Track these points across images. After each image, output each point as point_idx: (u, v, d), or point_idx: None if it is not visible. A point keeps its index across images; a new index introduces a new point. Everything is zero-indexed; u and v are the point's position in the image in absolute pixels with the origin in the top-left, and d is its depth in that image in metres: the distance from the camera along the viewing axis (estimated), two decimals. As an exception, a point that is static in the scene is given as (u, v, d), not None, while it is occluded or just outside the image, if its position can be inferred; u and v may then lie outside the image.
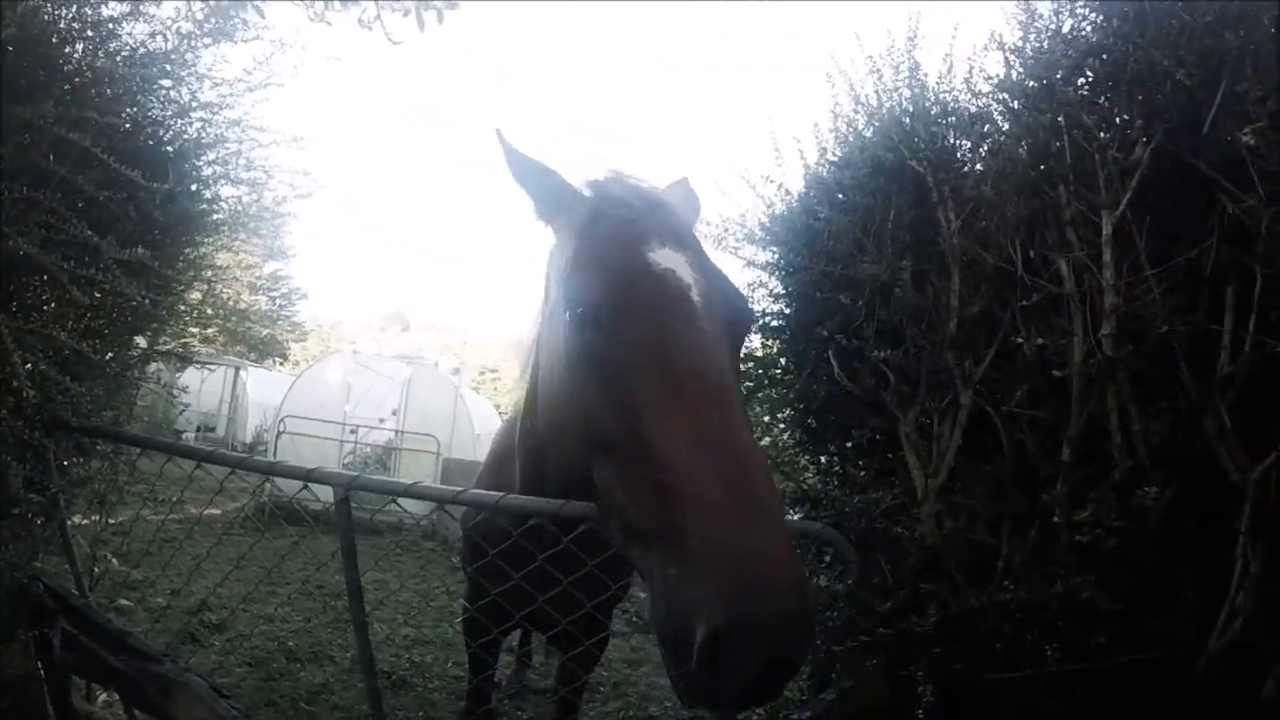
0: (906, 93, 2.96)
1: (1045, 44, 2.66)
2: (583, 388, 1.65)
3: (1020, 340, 2.29)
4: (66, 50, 2.30)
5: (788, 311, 3.34)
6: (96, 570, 3.56)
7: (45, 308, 2.45)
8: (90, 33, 2.38)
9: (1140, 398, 2.20)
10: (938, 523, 2.37)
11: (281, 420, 12.15)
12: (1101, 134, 2.38)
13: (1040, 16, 2.69)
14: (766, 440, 3.47)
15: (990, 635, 2.20)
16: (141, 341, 3.10)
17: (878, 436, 2.75)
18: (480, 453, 13.68)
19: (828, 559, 2.61)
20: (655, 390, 1.49)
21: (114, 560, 4.23)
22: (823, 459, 3.22)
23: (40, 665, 2.70)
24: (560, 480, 1.96)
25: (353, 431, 13.45)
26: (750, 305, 1.76)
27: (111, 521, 3.34)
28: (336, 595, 7.34)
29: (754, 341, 3.49)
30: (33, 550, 2.79)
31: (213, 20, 2.69)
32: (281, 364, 30.73)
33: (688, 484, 1.34)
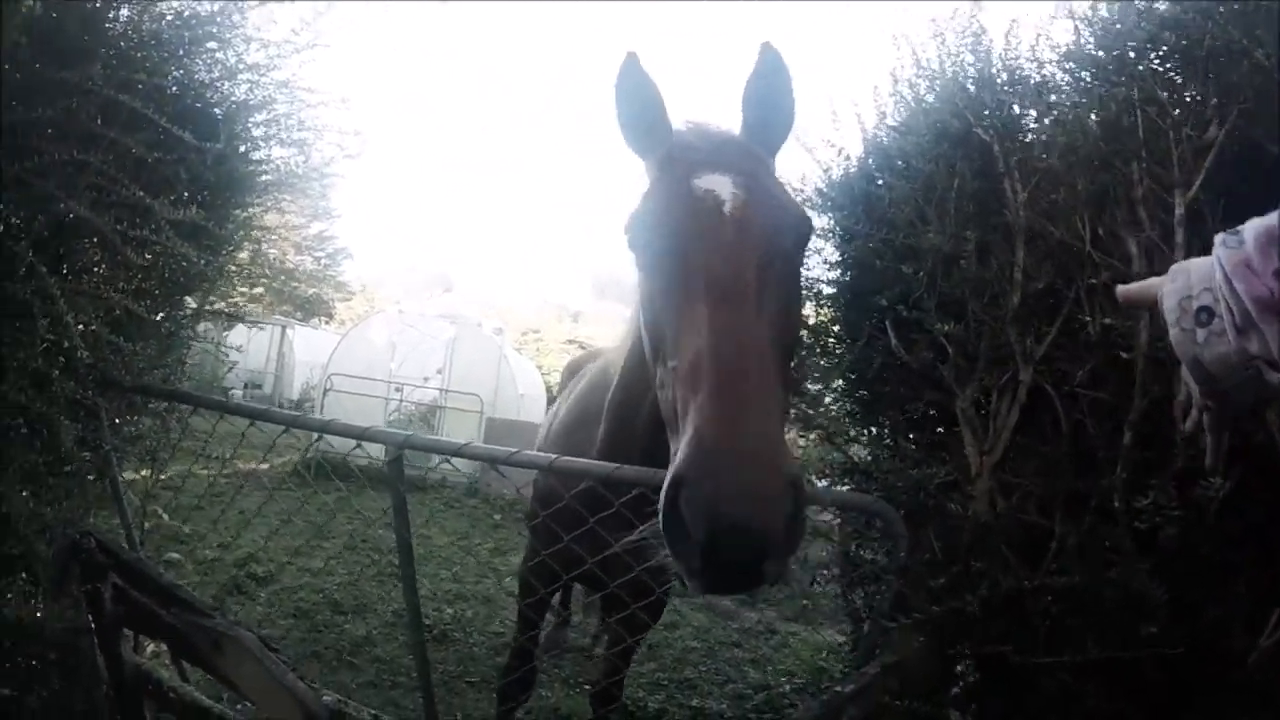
0: (970, 58, 2.83)
1: (1117, 14, 2.51)
2: (643, 309, 1.83)
3: (1086, 319, 2.21)
4: (111, 14, 2.28)
5: (844, 279, 3.24)
6: (147, 525, 3.64)
7: (97, 269, 2.47)
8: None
9: (1208, 384, 2.12)
10: (990, 501, 2.31)
11: (329, 378, 12.31)
12: (1175, 111, 2.25)
13: (1113, -15, 2.55)
14: (818, 410, 3.41)
15: (1038, 617, 2.17)
16: (192, 301, 3.13)
17: (931, 410, 2.68)
18: (524, 413, 13.79)
19: (877, 533, 2.56)
20: (680, 297, 1.64)
21: (164, 514, 4.32)
22: (873, 430, 3.15)
23: (91, 618, 2.78)
24: (647, 438, 2.09)
25: (398, 390, 13.59)
26: (801, 215, 1.89)
27: (162, 477, 3.39)
28: (382, 550, 7.47)
29: (807, 309, 3.40)
30: (85, 506, 2.84)
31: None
32: (327, 323, 31.12)
33: (689, 374, 1.48)
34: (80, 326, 2.09)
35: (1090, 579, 2.08)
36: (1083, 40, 2.59)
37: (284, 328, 21.07)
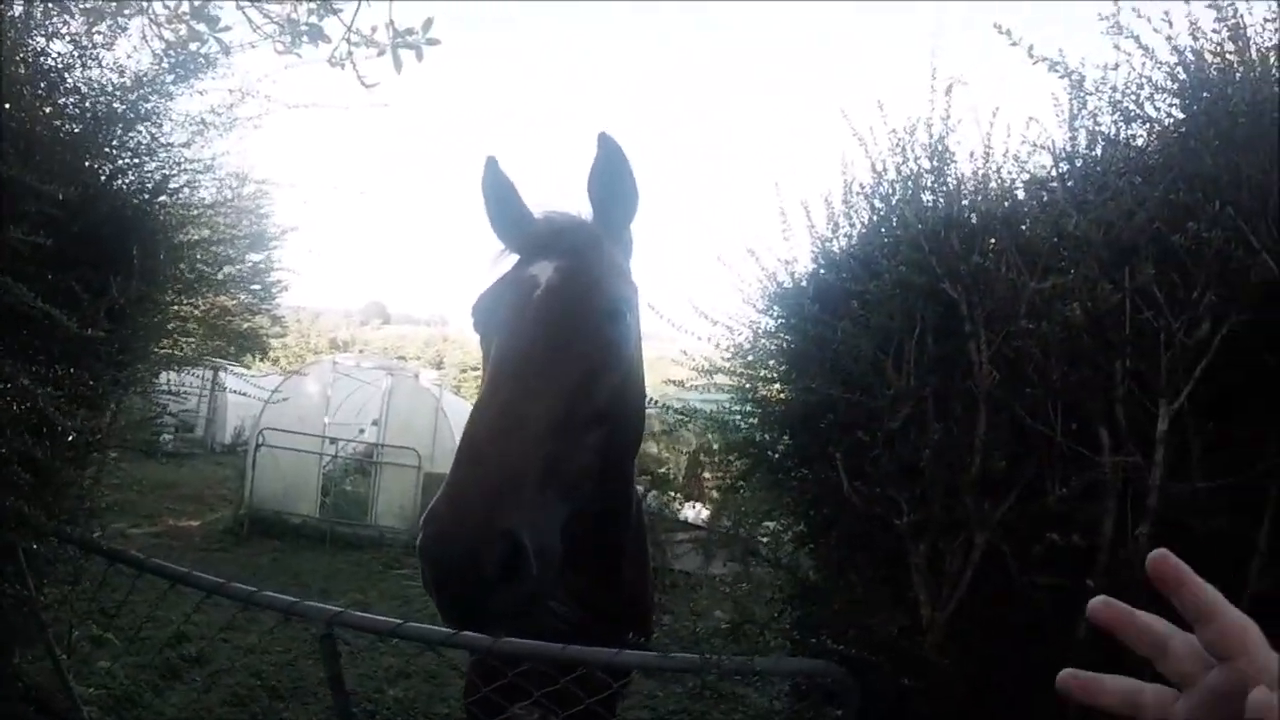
0: (933, 191, 2.50)
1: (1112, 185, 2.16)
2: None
3: (1046, 493, 2.06)
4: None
5: (792, 397, 2.85)
6: (75, 631, 3.45)
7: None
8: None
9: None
10: (940, 655, 2.19)
11: (260, 433, 11.92)
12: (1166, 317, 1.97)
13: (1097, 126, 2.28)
14: (767, 527, 3.29)
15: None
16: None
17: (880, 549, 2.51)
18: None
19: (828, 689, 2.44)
20: (485, 375, 1.88)
21: (94, 626, 4.08)
22: (824, 554, 2.98)
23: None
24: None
25: (332, 442, 13.22)
26: (617, 293, 2.01)
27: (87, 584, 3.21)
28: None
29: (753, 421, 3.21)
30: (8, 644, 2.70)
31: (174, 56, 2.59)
32: (262, 359, 30.18)
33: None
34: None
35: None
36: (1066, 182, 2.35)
37: (216, 369, 20.45)
